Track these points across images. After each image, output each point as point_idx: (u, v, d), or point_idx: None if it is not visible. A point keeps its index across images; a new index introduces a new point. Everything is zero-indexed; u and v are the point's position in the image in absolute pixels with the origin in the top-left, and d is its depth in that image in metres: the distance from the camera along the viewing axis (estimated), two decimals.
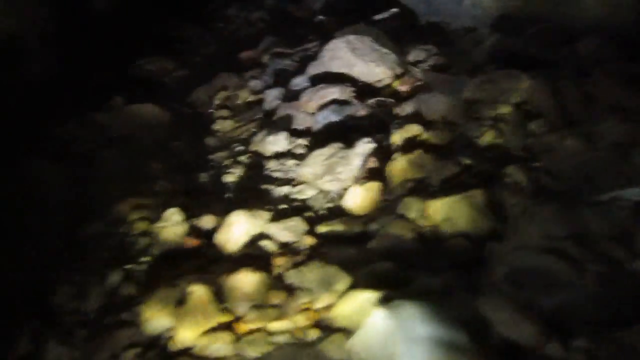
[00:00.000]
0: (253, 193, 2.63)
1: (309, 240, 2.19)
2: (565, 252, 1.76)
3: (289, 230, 2.26)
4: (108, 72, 4.57)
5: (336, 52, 3.22)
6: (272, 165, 2.78)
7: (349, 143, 2.57)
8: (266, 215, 2.35)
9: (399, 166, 2.35)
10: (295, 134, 2.92)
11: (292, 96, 3.27)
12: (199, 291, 2.02)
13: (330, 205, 2.39)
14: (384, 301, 1.68)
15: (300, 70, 3.55)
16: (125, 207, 2.87)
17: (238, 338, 1.90)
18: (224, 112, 3.69)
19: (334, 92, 2.98)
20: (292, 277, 2.02)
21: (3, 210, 2.74)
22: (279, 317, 1.90)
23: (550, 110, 2.39)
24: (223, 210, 2.46)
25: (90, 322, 2.17)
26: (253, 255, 2.21)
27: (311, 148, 2.70)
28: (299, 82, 3.37)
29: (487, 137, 2.40)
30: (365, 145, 2.50)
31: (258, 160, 2.87)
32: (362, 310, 1.74)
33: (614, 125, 2.18)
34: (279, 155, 2.82)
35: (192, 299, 2.02)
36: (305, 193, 2.49)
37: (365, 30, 3.50)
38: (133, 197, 2.93)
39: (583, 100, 2.44)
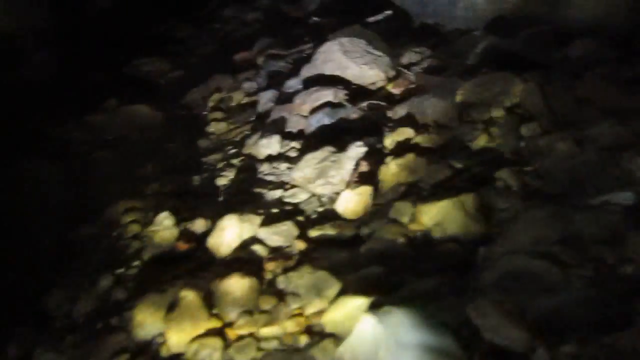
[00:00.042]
0: (245, 196, 2.63)
1: (301, 245, 2.19)
2: (555, 257, 1.76)
3: (280, 235, 2.25)
4: (103, 73, 4.57)
5: (329, 55, 3.22)
6: (264, 168, 2.78)
7: (341, 146, 2.56)
8: (258, 219, 2.34)
9: (391, 170, 2.35)
10: (288, 136, 2.92)
11: (285, 98, 3.26)
12: (189, 296, 2.01)
13: (322, 209, 2.38)
14: (374, 307, 1.68)
15: (294, 72, 3.54)
16: (117, 210, 2.87)
17: (228, 344, 1.89)
18: (218, 114, 3.68)
19: (327, 95, 2.97)
20: (283, 283, 2.01)
21: None
22: (269, 323, 1.90)
23: (542, 113, 2.39)
24: (215, 214, 2.46)
25: (81, 326, 2.17)
26: (244, 260, 2.20)
27: (304, 151, 2.70)
28: (292, 84, 3.37)
29: (480, 141, 2.39)
30: (357, 149, 2.50)
31: (251, 163, 2.87)
32: (351, 316, 1.73)
33: (605, 128, 2.18)
34: (271, 158, 2.82)
35: (182, 304, 2.01)
36: (297, 197, 2.48)
37: (359, 32, 3.49)
38: (126, 199, 2.93)
39: (575, 103, 2.44)
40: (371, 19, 4.02)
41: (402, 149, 2.46)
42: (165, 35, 5.38)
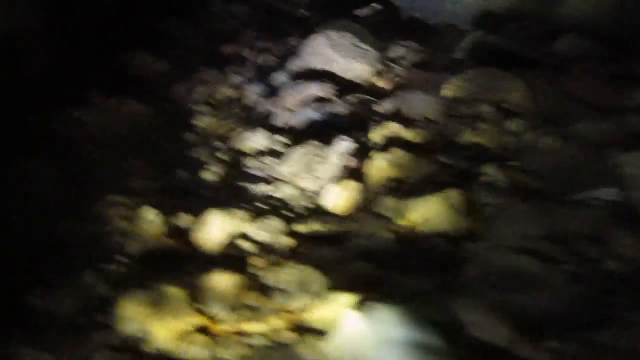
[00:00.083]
0: (232, 191, 2.61)
1: (287, 240, 2.18)
2: (539, 252, 1.77)
3: (266, 230, 2.24)
4: (89, 66, 4.51)
5: (317, 48, 3.20)
6: (251, 162, 2.76)
7: (328, 141, 2.55)
8: (244, 214, 2.33)
9: (377, 165, 2.34)
10: (275, 131, 2.90)
11: (272, 92, 3.24)
12: (174, 292, 2.00)
13: (308, 204, 2.37)
14: (359, 303, 1.67)
15: (281, 65, 3.52)
16: (103, 205, 2.83)
17: (213, 340, 1.88)
18: (205, 108, 3.65)
19: (314, 89, 2.96)
20: (269, 278, 2.00)
21: None
22: (254, 319, 1.88)
23: (528, 109, 2.40)
24: (201, 209, 2.43)
25: (64, 323, 2.14)
26: (230, 255, 2.19)
27: (290, 146, 2.68)
28: (279, 78, 3.35)
29: (466, 136, 2.40)
30: (344, 144, 2.49)
31: (237, 158, 2.85)
32: (337, 312, 1.73)
33: (590, 124, 2.20)
34: (258, 153, 2.80)
35: (167, 300, 1.99)
36: (283, 192, 2.47)
37: (347, 25, 3.48)
38: (111, 194, 2.89)
39: (561, 98, 2.45)
40: (359, 13, 4.01)
41: (388, 143, 2.46)
42: (152, 28, 5.31)
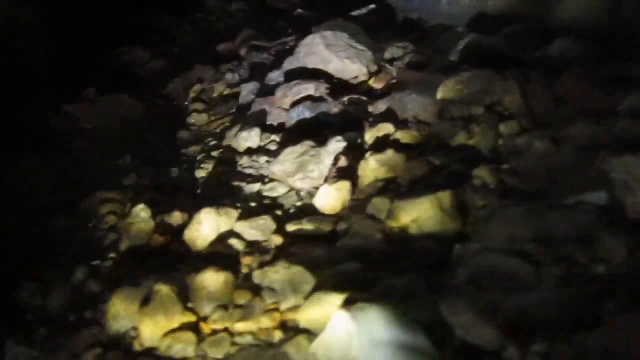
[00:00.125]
0: (223, 189, 2.61)
1: (277, 240, 2.18)
2: (528, 255, 1.77)
3: (257, 229, 2.24)
4: (83, 61, 4.50)
5: (312, 48, 3.20)
6: (244, 161, 2.76)
7: (321, 141, 2.56)
8: (235, 212, 2.33)
9: (370, 165, 2.34)
10: (269, 129, 2.91)
11: (267, 91, 3.24)
12: (164, 290, 1.99)
13: (300, 203, 2.38)
14: (348, 303, 1.68)
15: (276, 64, 3.52)
16: (94, 201, 2.84)
17: (202, 338, 1.88)
18: (199, 105, 3.65)
19: (308, 89, 2.96)
20: (259, 277, 2.00)
21: None
22: (243, 318, 1.89)
23: (521, 111, 2.40)
24: (192, 207, 2.44)
25: (53, 319, 2.14)
26: (221, 254, 2.19)
27: (283, 145, 2.68)
28: (274, 76, 3.35)
29: (459, 138, 2.40)
30: (337, 144, 2.49)
31: (230, 156, 2.85)
32: (326, 312, 1.73)
33: (582, 128, 2.20)
34: (251, 151, 2.80)
35: (157, 298, 1.99)
36: (275, 191, 2.47)
37: (342, 25, 3.48)
38: (103, 190, 2.90)
39: (554, 101, 2.46)
40: (355, 13, 4.01)
41: (381, 144, 2.46)
42: (147, 24, 5.30)
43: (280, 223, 2.26)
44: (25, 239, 2.70)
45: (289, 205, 2.39)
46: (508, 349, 1.50)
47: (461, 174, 2.20)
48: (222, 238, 2.25)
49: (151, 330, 1.93)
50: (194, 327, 1.92)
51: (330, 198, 2.28)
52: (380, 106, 2.77)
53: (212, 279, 1.98)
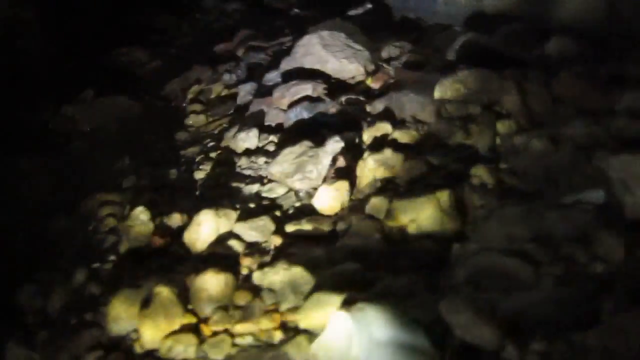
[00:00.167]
0: (222, 191, 2.61)
1: (277, 240, 2.18)
2: (527, 255, 1.78)
3: (257, 230, 2.25)
4: (81, 62, 4.50)
5: (309, 48, 3.20)
6: (242, 162, 2.77)
7: (319, 141, 2.56)
8: (234, 214, 2.34)
9: (368, 165, 2.34)
10: (267, 130, 2.91)
11: (265, 91, 3.24)
12: (164, 292, 2.00)
13: (299, 204, 2.38)
14: (347, 304, 1.68)
15: (274, 64, 3.52)
16: (94, 203, 2.84)
17: (203, 340, 1.89)
18: (197, 106, 3.66)
19: (306, 89, 2.96)
20: (259, 279, 2.01)
21: None
22: (244, 319, 1.89)
23: (518, 111, 2.40)
24: (192, 208, 2.44)
25: (54, 321, 2.15)
26: (220, 255, 2.19)
27: (282, 145, 2.68)
28: (272, 77, 3.35)
29: (457, 137, 2.40)
30: (335, 144, 2.49)
31: (229, 157, 2.85)
32: (325, 312, 1.74)
33: (580, 127, 2.20)
34: (249, 152, 2.81)
35: (157, 300, 1.99)
36: (274, 192, 2.48)
37: (339, 25, 3.48)
38: (102, 192, 2.91)
39: (552, 100, 2.46)
40: (352, 12, 4.01)
41: (379, 144, 2.46)
42: (145, 24, 5.31)
43: (280, 224, 2.26)
44: (25, 241, 2.71)
45: (288, 206, 2.40)
46: (507, 349, 1.51)
47: (459, 173, 2.20)
48: (222, 239, 2.25)
49: (152, 332, 1.94)
50: (194, 329, 1.93)
51: (329, 198, 2.29)
52: (378, 106, 2.77)
53: (212, 281, 1.98)
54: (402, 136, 2.50)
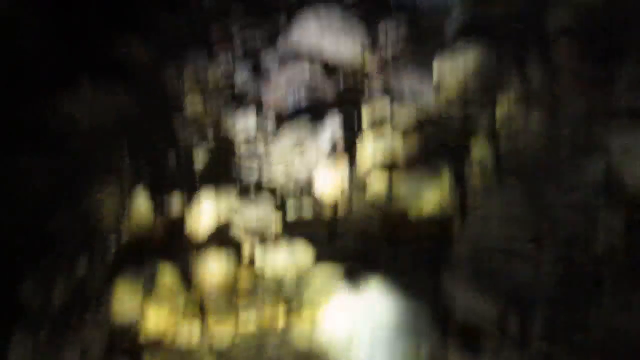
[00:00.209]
0: (222, 175, 2.61)
1: (278, 220, 2.20)
2: (527, 228, 1.78)
3: (258, 210, 2.25)
4: (79, 53, 4.46)
5: (305, 28, 3.17)
6: (241, 144, 2.76)
7: (318, 121, 2.55)
8: (235, 195, 2.34)
9: (367, 143, 2.34)
10: (265, 111, 2.89)
11: (262, 72, 3.21)
12: (167, 276, 2.02)
13: (299, 183, 2.38)
14: (349, 276, 1.70)
15: (270, 44, 3.48)
16: (94, 194, 2.83)
17: (207, 323, 1.90)
18: (194, 90, 3.62)
19: (303, 69, 2.94)
20: (261, 257, 2.02)
21: None
22: (247, 299, 1.91)
23: (516, 83, 2.38)
24: (192, 191, 2.45)
25: (57, 313, 2.16)
26: (222, 238, 2.20)
27: (280, 126, 2.68)
28: (269, 57, 3.32)
29: (455, 112, 2.38)
30: (334, 123, 2.49)
31: (227, 140, 2.84)
32: (328, 286, 1.75)
33: (577, 98, 2.18)
34: (248, 134, 2.79)
35: (160, 285, 2.01)
36: (274, 172, 2.47)
37: (335, 4, 3.43)
38: (101, 182, 2.89)
39: (549, 72, 2.43)
40: None
41: (378, 122, 2.45)
42: (138, 10, 5.24)
43: (281, 202, 2.27)
44: (26, 236, 2.72)
45: (288, 184, 2.39)
46: (509, 320, 1.52)
47: (459, 148, 2.20)
48: (223, 220, 2.26)
49: (156, 316, 1.96)
50: (198, 312, 1.94)
51: (329, 176, 2.29)
52: (376, 83, 2.75)
53: (214, 262, 2.00)
54: (401, 113, 2.48)
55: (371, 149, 2.33)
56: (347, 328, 1.61)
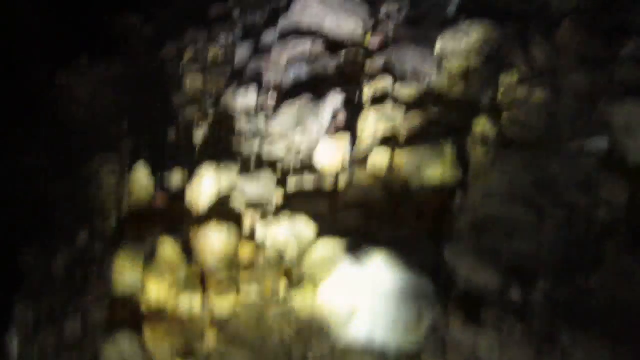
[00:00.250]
0: (223, 148, 2.60)
1: (279, 193, 2.19)
2: (529, 201, 1.78)
3: (258, 184, 2.24)
4: (77, 30, 4.42)
5: (306, 5, 3.14)
6: (242, 119, 2.74)
7: (319, 97, 2.54)
8: (236, 169, 2.33)
9: (369, 119, 2.33)
10: (266, 88, 2.87)
11: (262, 50, 3.19)
12: (168, 249, 2.01)
13: (300, 158, 2.37)
14: (352, 249, 1.70)
15: (271, 22, 3.45)
16: (93, 165, 2.82)
17: (208, 295, 1.90)
18: (194, 68, 3.60)
19: (304, 45, 2.92)
20: (262, 231, 2.01)
21: None
22: (248, 271, 1.90)
23: (519, 61, 2.37)
24: (192, 166, 2.43)
25: (59, 281, 2.16)
26: (223, 210, 2.20)
27: (281, 102, 2.66)
28: (269, 35, 3.29)
29: (458, 89, 2.38)
30: (335, 99, 2.47)
31: (228, 115, 2.83)
32: (330, 259, 1.75)
33: (582, 76, 2.18)
34: (249, 110, 2.78)
35: (161, 257, 2.01)
36: (275, 147, 2.46)
37: None
38: (101, 155, 2.89)
39: (553, 51, 2.42)
40: None
41: (380, 98, 2.44)
42: None
43: (281, 177, 2.26)
44: (27, 206, 2.71)
45: (289, 160, 2.39)
46: (511, 290, 1.53)
47: (461, 124, 2.19)
48: (224, 194, 2.25)
49: (157, 288, 1.96)
50: (199, 284, 1.94)
51: (330, 152, 2.28)
52: (378, 61, 2.73)
53: (216, 235, 1.99)
54: (402, 89, 2.47)
55: (372, 121, 2.32)
56: (348, 300, 1.61)
